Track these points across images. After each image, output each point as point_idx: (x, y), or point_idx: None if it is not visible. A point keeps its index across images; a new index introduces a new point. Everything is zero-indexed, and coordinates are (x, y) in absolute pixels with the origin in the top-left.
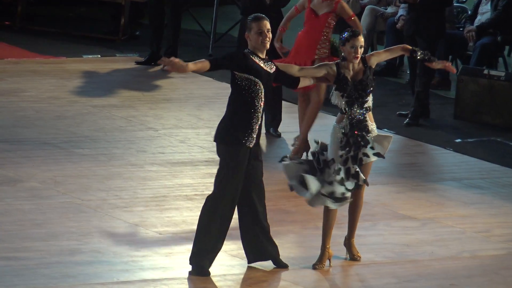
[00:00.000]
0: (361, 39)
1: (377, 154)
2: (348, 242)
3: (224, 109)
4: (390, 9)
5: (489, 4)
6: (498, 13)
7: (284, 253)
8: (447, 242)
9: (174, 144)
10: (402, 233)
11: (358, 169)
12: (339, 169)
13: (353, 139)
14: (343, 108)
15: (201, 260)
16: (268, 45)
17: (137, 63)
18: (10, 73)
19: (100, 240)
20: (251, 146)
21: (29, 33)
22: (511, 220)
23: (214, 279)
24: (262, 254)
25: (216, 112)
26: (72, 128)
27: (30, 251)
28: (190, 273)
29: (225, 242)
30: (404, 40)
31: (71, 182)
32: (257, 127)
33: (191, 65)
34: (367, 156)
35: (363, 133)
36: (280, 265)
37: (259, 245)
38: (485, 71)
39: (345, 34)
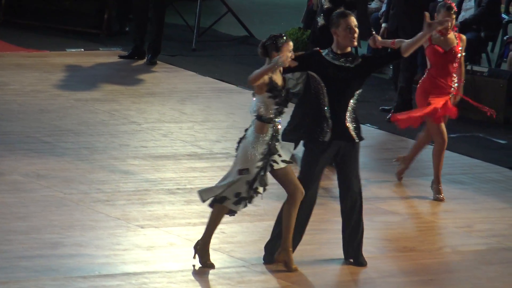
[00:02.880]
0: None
1: (285, 161)
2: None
3: (208, 103)
4: (374, 4)
5: (472, 0)
6: (481, 9)
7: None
8: (429, 237)
9: (156, 138)
10: (384, 228)
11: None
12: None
13: (272, 147)
14: (270, 117)
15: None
16: (355, 43)
17: (121, 57)
18: None
19: (82, 233)
20: (325, 140)
21: (12, 26)
22: (493, 215)
23: (194, 272)
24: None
25: (199, 107)
26: (55, 122)
27: (12, 244)
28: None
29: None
30: (388, 36)
31: (53, 175)
32: (328, 123)
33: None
34: (276, 162)
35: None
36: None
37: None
38: (468, 67)
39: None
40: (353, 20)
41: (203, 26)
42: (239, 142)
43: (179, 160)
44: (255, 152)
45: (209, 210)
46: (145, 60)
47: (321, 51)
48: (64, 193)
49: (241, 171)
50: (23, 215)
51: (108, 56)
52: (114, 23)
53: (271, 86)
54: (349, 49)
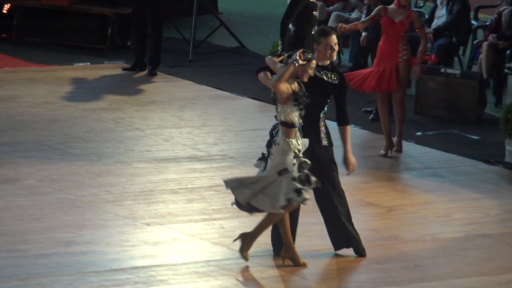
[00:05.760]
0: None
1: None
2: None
3: (205, 110)
4: (354, 14)
5: (444, 8)
6: (453, 16)
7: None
8: (411, 226)
9: (159, 143)
10: (370, 219)
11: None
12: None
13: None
14: (295, 121)
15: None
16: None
17: (124, 69)
18: (7, 81)
19: (93, 232)
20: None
21: (24, 44)
22: (468, 205)
23: (197, 265)
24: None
25: (197, 113)
26: (65, 130)
27: (30, 243)
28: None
29: (207, 232)
30: (367, 43)
31: (65, 179)
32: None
33: None
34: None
35: None
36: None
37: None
38: (442, 70)
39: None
40: (334, 39)
41: (198, 39)
42: (268, 147)
43: (180, 162)
44: (289, 153)
45: (206, 208)
46: (146, 71)
47: None
48: (75, 195)
49: (280, 172)
50: (38, 216)
51: (112, 69)
52: (116, 39)
53: (296, 95)
54: (327, 62)
